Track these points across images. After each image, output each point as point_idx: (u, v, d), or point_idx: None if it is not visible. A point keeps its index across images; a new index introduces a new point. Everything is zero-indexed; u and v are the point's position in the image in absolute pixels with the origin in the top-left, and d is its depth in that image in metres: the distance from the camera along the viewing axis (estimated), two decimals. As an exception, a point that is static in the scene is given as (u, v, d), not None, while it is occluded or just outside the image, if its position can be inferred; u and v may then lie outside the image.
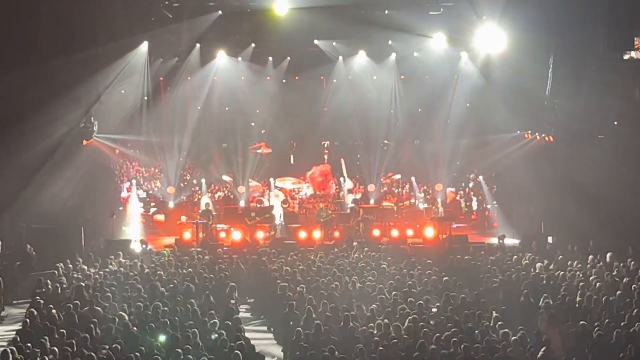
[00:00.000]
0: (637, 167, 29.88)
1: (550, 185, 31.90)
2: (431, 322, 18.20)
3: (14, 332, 18.00)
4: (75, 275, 23.51)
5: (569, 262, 24.48)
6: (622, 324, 17.52)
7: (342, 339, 17.11)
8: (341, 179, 37.37)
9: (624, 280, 21.72)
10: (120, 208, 35.23)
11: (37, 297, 20.56)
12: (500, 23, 30.90)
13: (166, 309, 19.12)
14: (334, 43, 34.77)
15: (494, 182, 37.07)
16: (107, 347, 16.25)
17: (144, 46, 32.86)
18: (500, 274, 22.93)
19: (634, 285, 20.92)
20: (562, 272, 22.86)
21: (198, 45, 33.85)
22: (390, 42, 34.69)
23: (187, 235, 30.52)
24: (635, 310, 18.58)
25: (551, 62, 31.31)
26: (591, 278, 22.36)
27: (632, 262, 23.60)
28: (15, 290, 25.14)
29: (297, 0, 31.19)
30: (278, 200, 36.24)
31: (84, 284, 21.69)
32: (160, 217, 35.92)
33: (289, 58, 35.85)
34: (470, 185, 38.89)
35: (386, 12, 32.49)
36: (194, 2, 31.73)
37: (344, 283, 21.81)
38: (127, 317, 18.47)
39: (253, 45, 34.57)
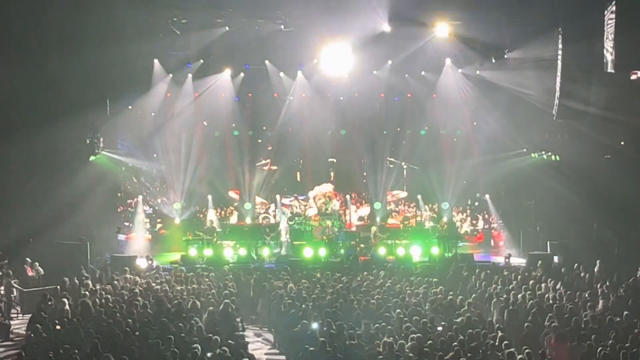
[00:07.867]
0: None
1: (556, 204, 31.82)
2: (436, 341, 18.11)
3: (19, 348, 17.96)
4: (81, 290, 23.49)
5: (575, 282, 24.40)
6: (627, 344, 17.43)
7: (347, 357, 17.05)
8: (347, 197, 37.27)
9: (630, 300, 21.64)
10: (126, 223, 35.25)
11: (42, 312, 20.56)
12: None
13: (171, 325, 19.10)
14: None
15: (500, 201, 36.99)
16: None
17: (153, 63, 33.06)
18: (506, 293, 22.86)
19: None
20: (568, 292, 22.79)
21: (205, 61, 33.98)
22: (390, 61, 34.68)
23: (192, 251, 30.50)
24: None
25: (558, 80, 31.34)
26: (597, 298, 22.28)
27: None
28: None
29: (305, 16, 31.34)
30: (284, 217, 36.23)
31: (89, 300, 21.69)
32: (166, 233, 35.96)
33: (299, 72, 35.81)
34: (477, 204, 38.82)
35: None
36: (202, 19, 31.82)
37: (349, 301, 21.77)
38: (132, 333, 18.45)
39: (267, 62, 34.68)
